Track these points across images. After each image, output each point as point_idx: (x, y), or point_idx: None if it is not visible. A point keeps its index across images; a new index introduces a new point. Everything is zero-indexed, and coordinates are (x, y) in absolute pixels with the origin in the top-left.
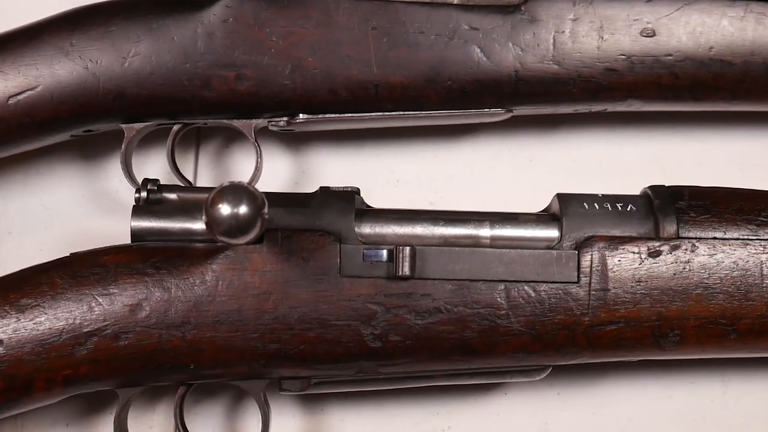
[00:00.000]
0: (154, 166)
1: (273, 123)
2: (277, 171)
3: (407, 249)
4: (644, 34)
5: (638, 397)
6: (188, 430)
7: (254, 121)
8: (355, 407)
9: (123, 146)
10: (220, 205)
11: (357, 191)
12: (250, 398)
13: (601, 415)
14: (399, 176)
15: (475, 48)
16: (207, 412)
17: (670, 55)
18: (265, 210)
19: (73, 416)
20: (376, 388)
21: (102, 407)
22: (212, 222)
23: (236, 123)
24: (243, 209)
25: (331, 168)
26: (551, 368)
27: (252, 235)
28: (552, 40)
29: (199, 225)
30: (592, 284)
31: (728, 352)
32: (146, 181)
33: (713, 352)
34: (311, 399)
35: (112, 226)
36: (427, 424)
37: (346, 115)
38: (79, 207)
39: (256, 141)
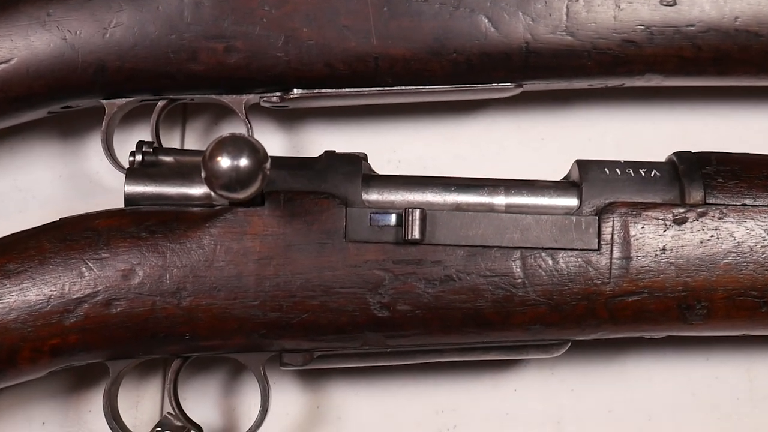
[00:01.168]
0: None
1: (265, 99)
2: (270, 150)
3: (417, 211)
4: (665, 3)
5: (658, 394)
6: (182, 408)
7: (245, 97)
8: (355, 404)
9: (104, 124)
10: (219, 158)
11: (364, 156)
12: (248, 375)
13: (618, 413)
14: (401, 156)
15: (482, 18)
16: (202, 389)
17: (692, 25)
18: (267, 164)
19: (50, 414)
20: (382, 364)
21: (82, 400)
22: (211, 175)
23: (225, 99)
24: (244, 161)
25: (328, 147)
26: (570, 344)
27: (253, 189)
28: (565, 9)
29: (196, 189)
30: (614, 252)
31: (759, 327)
32: (141, 143)
33: (743, 327)
34: (310, 391)
35: (93, 209)
36: (431, 423)
37: (344, 90)
38: (56, 189)
39: (246, 118)
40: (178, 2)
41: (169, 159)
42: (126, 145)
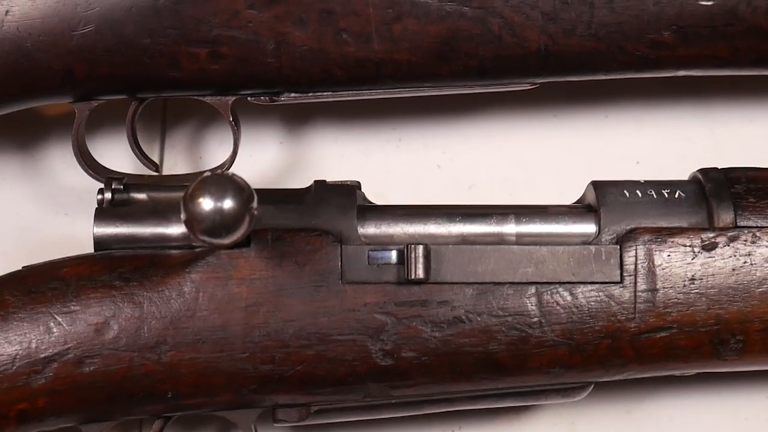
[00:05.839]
0: (111, 143)
1: (253, 99)
2: (259, 132)
3: (420, 248)
4: (702, 0)
5: (681, 393)
6: None
7: (231, 98)
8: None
9: (74, 128)
10: (201, 199)
11: (358, 185)
12: None
13: (637, 413)
14: (401, 134)
15: (495, 19)
16: None
17: (731, 24)
18: (254, 204)
19: None
20: (387, 416)
21: None
22: (192, 219)
23: (209, 100)
24: (228, 203)
25: (323, 126)
26: (593, 386)
27: (238, 234)
28: (588, 9)
29: (173, 229)
30: (638, 284)
31: None
32: (110, 179)
33: None
34: None
35: (65, 227)
36: (435, 423)
37: (342, 92)
38: (20, 203)
39: (232, 121)
40: (153, 2)
41: (142, 196)
42: (97, 142)
